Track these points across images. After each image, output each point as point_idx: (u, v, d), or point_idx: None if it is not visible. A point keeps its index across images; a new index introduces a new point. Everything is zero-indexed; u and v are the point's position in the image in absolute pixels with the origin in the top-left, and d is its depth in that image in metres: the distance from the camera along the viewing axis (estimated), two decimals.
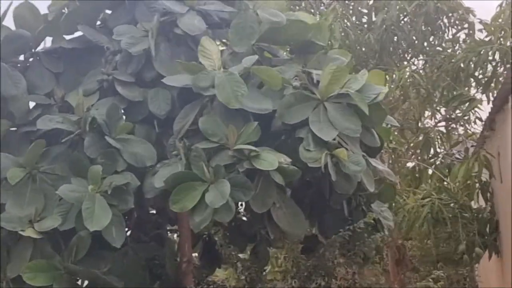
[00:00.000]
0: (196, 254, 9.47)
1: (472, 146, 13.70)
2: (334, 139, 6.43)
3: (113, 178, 6.44)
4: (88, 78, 7.24)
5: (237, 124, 6.48)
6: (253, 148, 6.30)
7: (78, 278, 6.51)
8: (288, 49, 8.26)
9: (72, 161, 6.62)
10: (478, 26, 14.01)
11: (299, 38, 7.53)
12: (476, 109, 13.70)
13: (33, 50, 7.52)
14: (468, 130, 14.27)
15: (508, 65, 12.65)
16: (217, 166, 6.25)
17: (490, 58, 13.13)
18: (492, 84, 13.29)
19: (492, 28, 13.18)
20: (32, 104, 7.36)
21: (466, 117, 13.94)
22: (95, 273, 6.44)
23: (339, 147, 6.41)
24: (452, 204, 11.68)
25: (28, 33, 7.33)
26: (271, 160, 6.23)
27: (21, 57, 7.55)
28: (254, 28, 7.18)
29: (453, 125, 14.39)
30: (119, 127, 6.74)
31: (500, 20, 13.15)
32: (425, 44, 14.55)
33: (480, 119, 13.77)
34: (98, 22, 7.80)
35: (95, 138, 6.66)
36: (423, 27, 14.16)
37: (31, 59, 7.54)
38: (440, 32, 14.39)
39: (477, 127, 14.12)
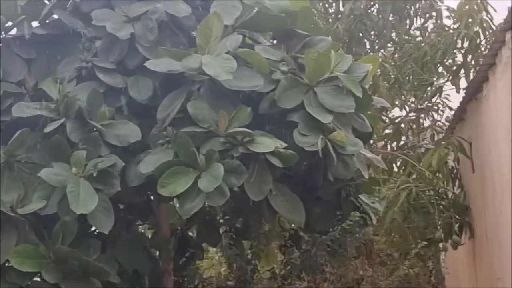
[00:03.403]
0: None
1: (439, 133, 13.65)
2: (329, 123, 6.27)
3: (98, 160, 6.17)
4: (63, 65, 6.92)
5: (227, 110, 6.26)
6: (248, 130, 6.07)
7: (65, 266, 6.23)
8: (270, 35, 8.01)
9: (53, 146, 6.33)
10: (445, 13, 14.03)
11: (283, 24, 7.24)
12: (445, 100, 13.69)
13: (1, 36, 7.14)
14: (436, 121, 14.21)
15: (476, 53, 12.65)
16: (210, 150, 6.01)
17: (459, 46, 13.09)
18: (462, 73, 13.26)
19: (459, 15, 13.09)
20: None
21: (435, 107, 13.89)
22: (85, 259, 6.20)
23: (333, 131, 6.26)
24: (427, 192, 11.55)
25: None
26: (267, 143, 6.02)
27: None
28: (236, 7, 6.94)
29: (422, 116, 14.36)
30: (100, 113, 6.48)
31: (467, 7, 13.06)
32: (393, 33, 14.48)
33: (451, 108, 13.74)
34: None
35: (77, 123, 6.39)
36: (391, 16, 14.07)
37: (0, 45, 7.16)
38: (408, 20, 14.35)
39: (444, 117, 14.12)
